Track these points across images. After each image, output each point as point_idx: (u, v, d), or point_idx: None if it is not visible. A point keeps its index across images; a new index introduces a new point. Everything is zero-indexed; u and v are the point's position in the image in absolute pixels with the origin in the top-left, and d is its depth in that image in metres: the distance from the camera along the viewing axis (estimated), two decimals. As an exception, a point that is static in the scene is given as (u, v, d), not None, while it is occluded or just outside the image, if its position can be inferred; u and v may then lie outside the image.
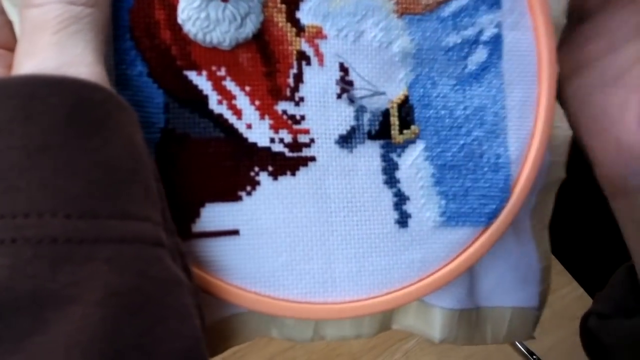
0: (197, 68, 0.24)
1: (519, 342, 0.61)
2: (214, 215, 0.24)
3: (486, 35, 0.29)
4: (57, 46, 0.20)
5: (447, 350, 0.57)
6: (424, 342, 0.56)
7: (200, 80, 0.24)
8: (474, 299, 0.31)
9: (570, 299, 0.68)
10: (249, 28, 0.24)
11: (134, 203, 0.19)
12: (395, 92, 0.27)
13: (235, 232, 0.24)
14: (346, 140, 0.26)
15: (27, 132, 0.18)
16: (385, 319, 0.29)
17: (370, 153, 0.27)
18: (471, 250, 0.28)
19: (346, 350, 0.55)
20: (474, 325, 0.31)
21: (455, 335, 0.30)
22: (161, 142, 0.23)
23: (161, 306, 0.19)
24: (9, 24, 0.23)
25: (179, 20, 0.24)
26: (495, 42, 0.29)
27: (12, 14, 0.22)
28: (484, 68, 0.29)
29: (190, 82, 0.24)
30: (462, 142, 0.28)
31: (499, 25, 0.29)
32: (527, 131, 0.29)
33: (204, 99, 0.24)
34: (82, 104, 0.19)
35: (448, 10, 0.28)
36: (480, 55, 0.29)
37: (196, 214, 0.24)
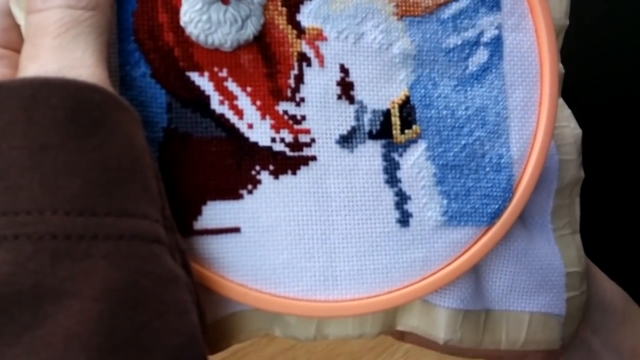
0: (200, 69, 0.25)
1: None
2: (216, 212, 0.25)
3: (487, 36, 0.29)
4: (58, 49, 0.21)
5: None
6: (424, 342, 0.56)
7: (203, 81, 0.25)
8: (483, 301, 0.30)
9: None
10: (250, 30, 0.25)
11: (132, 201, 0.20)
12: (396, 93, 0.28)
13: (236, 230, 0.25)
14: (347, 140, 0.27)
15: (28, 132, 0.19)
16: (388, 319, 0.29)
17: (371, 152, 0.27)
18: (474, 250, 0.28)
19: (346, 350, 0.55)
20: (484, 327, 0.30)
21: (460, 336, 0.30)
22: (164, 142, 0.24)
23: (158, 302, 0.19)
24: (17, 27, 0.23)
25: (182, 23, 0.24)
26: (496, 44, 0.29)
27: (20, 17, 0.23)
28: (485, 69, 0.29)
29: (193, 82, 0.25)
30: (463, 142, 0.28)
31: (499, 27, 0.29)
32: (529, 131, 0.29)
33: (206, 99, 0.25)
34: (81, 104, 0.20)
35: (448, 12, 0.28)
36: (481, 56, 0.29)
37: (198, 212, 0.24)
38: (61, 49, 0.21)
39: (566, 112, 0.33)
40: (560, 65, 0.32)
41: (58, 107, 0.19)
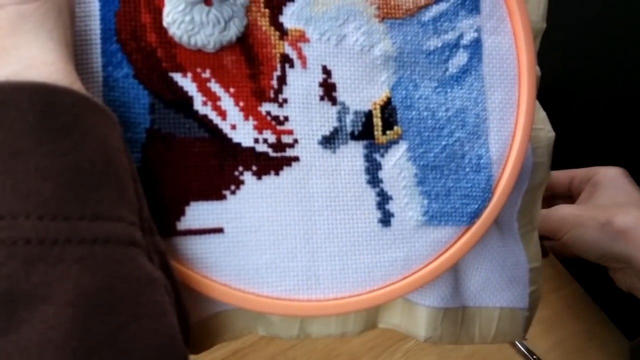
0: (182, 70, 0.25)
1: (519, 342, 0.62)
2: (199, 213, 0.25)
3: (466, 39, 0.29)
4: (12, 50, 0.20)
5: (448, 350, 0.57)
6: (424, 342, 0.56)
7: (186, 82, 0.25)
8: (460, 299, 0.31)
9: (570, 299, 0.68)
10: (233, 31, 0.25)
11: (107, 204, 0.20)
12: (377, 94, 0.28)
13: (219, 230, 0.25)
14: (329, 141, 0.27)
15: (1, 137, 0.18)
16: (370, 317, 0.30)
17: (353, 153, 0.27)
18: (454, 249, 0.29)
19: (346, 350, 0.55)
20: (460, 324, 0.31)
21: (440, 334, 0.30)
22: (147, 142, 0.24)
23: (135, 305, 0.19)
24: None
25: (165, 24, 0.24)
26: (475, 46, 0.29)
27: None
28: (464, 71, 0.29)
29: (176, 83, 0.25)
30: (444, 142, 0.29)
31: (478, 30, 0.29)
32: (508, 132, 0.30)
33: (189, 100, 0.25)
34: (52, 108, 0.19)
35: (428, 15, 0.29)
36: (460, 58, 0.29)
37: (181, 212, 0.24)
38: (15, 49, 0.20)
39: (542, 115, 0.33)
40: (537, 68, 0.33)
41: (29, 111, 0.19)
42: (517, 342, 0.61)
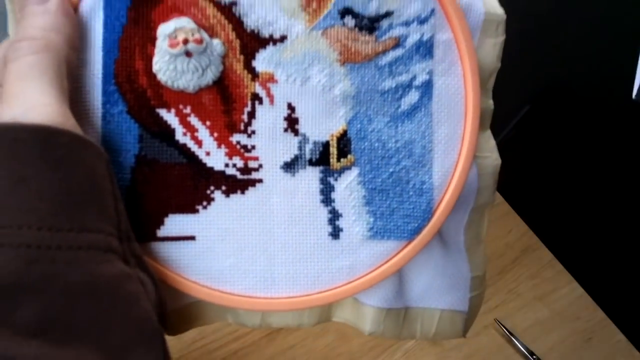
0: (167, 106, 0.30)
1: (519, 342, 0.64)
2: (175, 223, 0.31)
3: (419, 80, 0.34)
4: (21, 94, 0.25)
5: (447, 350, 0.59)
6: (424, 342, 0.57)
7: (169, 116, 0.30)
8: (403, 300, 0.36)
9: (570, 299, 0.69)
10: (209, 77, 0.30)
11: (90, 219, 0.25)
12: (335, 127, 0.33)
13: (192, 238, 0.31)
14: (290, 166, 0.32)
15: (11, 165, 0.24)
16: (324, 312, 0.35)
17: (310, 177, 0.33)
18: (395, 259, 0.34)
19: (346, 350, 0.57)
20: (402, 322, 0.37)
21: (382, 329, 0.36)
22: (135, 166, 0.30)
23: (112, 294, 0.25)
24: None
25: (154, 70, 0.30)
26: (427, 86, 0.34)
27: None
28: (415, 108, 0.34)
29: (161, 118, 0.30)
30: (391, 169, 0.34)
31: (430, 72, 0.34)
32: (451, 162, 0.35)
33: (172, 131, 0.30)
34: (51, 145, 0.25)
35: (385, 59, 0.33)
36: (412, 97, 0.34)
37: (161, 222, 0.30)
38: (22, 94, 0.26)
39: (491, 143, 0.38)
40: (491, 102, 0.37)
41: (34, 147, 0.25)
42: (517, 342, 0.64)
